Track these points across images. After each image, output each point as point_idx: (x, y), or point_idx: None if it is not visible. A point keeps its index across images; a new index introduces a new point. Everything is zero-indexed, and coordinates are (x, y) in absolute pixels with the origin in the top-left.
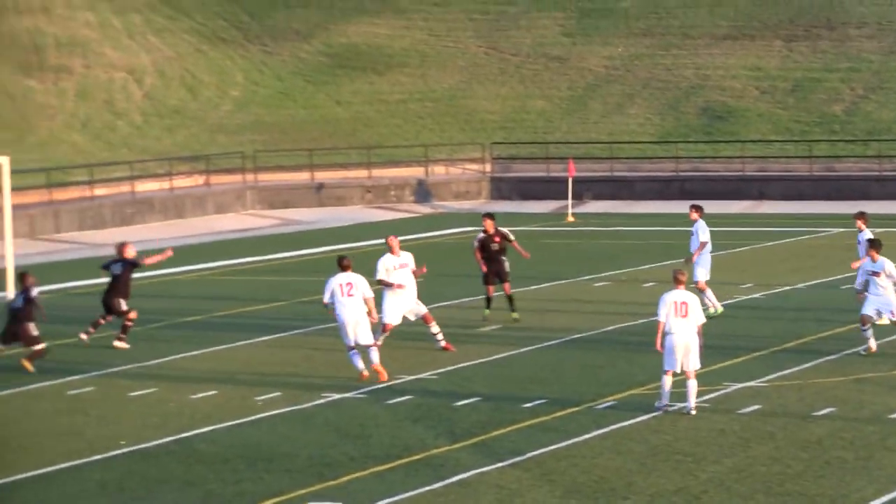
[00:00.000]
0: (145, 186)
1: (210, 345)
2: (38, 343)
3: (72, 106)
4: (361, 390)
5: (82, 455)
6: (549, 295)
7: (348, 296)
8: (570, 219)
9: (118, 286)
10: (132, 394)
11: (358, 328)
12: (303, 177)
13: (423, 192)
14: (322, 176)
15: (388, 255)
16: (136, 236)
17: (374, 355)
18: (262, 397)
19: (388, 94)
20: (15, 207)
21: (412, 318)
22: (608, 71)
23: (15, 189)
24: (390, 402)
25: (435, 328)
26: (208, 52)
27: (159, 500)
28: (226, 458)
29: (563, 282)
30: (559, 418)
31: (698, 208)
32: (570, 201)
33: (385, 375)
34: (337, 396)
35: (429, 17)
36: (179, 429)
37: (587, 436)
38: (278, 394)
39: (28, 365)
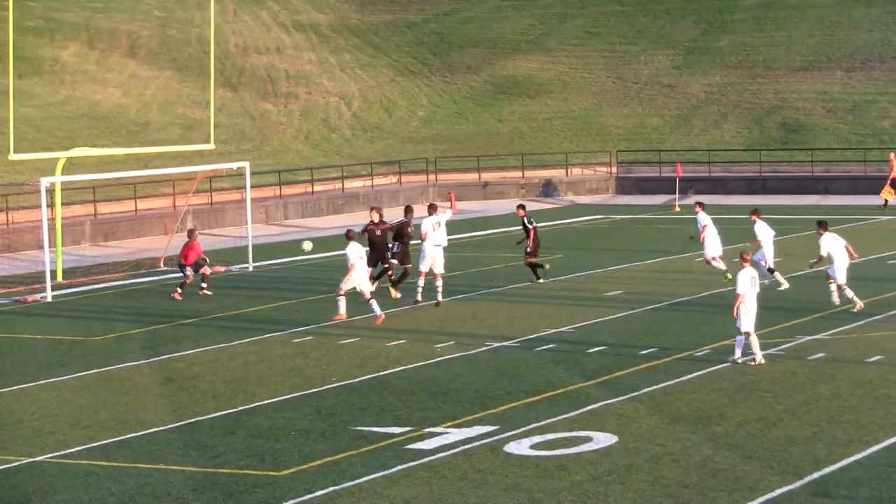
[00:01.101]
0: (352, 184)
1: (400, 304)
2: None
3: (297, 123)
4: (515, 340)
5: (303, 388)
6: (660, 268)
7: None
8: (677, 209)
9: (376, 245)
10: (342, 342)
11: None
12: (472, 177)
13: (548, 189)
14: (486, 176)
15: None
16: (346, 221)
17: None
18: (440, 345)
19: (537, 114)
20: (254, 200)
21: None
22: (707, 95)
23: (254, 186)
24: (537, 349)
25: (439, 282)
26: (401, 82)
27: (361, 421)
28: (412, 391)
29: (671, 258)
30: (667, 362)
31: (701, 204)
32: (676, 195)
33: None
34: (496, 345)
35: (570, 55)
36: (377, 369)
37: (689, 376)
38: (452, 342)
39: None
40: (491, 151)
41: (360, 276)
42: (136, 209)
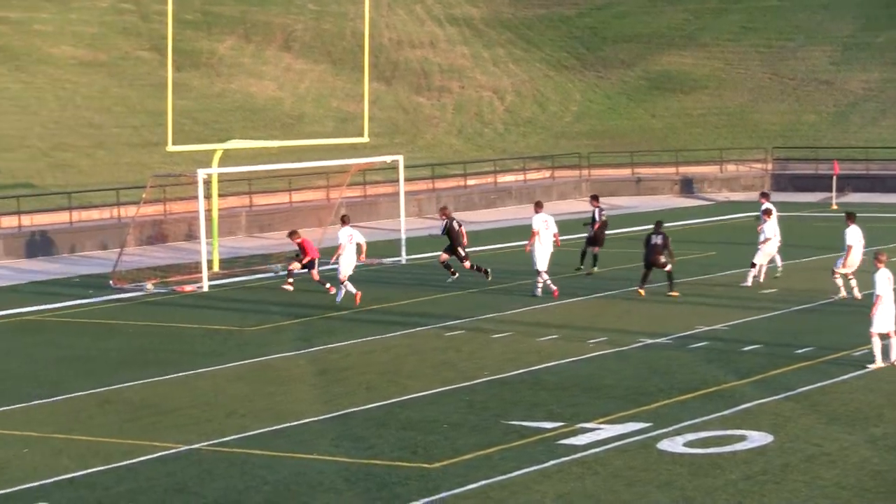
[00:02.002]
0: (505, 178)
1: (552, 300)
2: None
3: (450, 117)
4: (668, 337)
5: (455, 382)
6: (818, 265)
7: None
8: (834, 207)
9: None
10: (494, 336)
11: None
12: (625, 172)
13: (689, 186)
14: (640, 172)
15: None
16: (499, 216)
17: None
18: (593, 341)
19: (692, 109)
20: (407, 193)
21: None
22: (865, 92)
23: (407, 179)
24: (690, 346)
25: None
26: (554, 76)
27: (513, 415)
28: (564, 386)
29: (828, 256)
30: (823, 362)
31: (768, 212)
32: (833, 193)
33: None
34: (649, 341)
35: (725, 50)
36: (529, 363)
37: (845, 376)
38: (604, 338)
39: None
40: (644, 147)
41: (348, 258)
42: (290, 201)
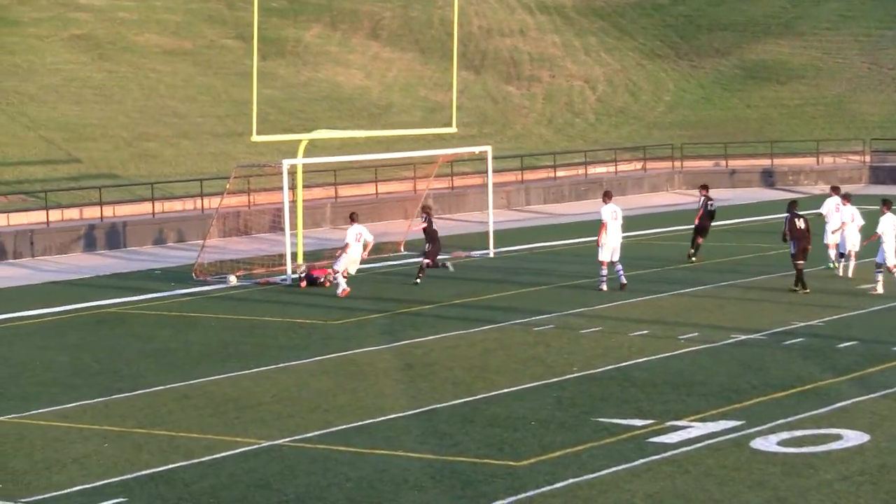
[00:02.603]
0: (596, 170)
1: (644, 294)
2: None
3: (540, 107)
4: (762, 332)
5: (543, 378)
6: None
7: (357, 241)
8: None
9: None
10: (583, 331)
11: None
12: (719, 164)
13: (769, 178)
14: (734, 164)
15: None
16: (589, 208)
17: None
18: (684, 336)
19: (788, 100)
20: (495, 185)
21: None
22: None
23: (496, 171)
24: (785, 342)
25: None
26: (647, 65)
27: (603, 412)
28: (654, 383)
29: None
30: None
31: (847, 197)
32: None
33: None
34: (742, 337)
35: (822, 39)
36: (619, 359)
37: None
38: (696, 334)
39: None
40: (738, 138)
41: (353, 256)
42: (376, 192)
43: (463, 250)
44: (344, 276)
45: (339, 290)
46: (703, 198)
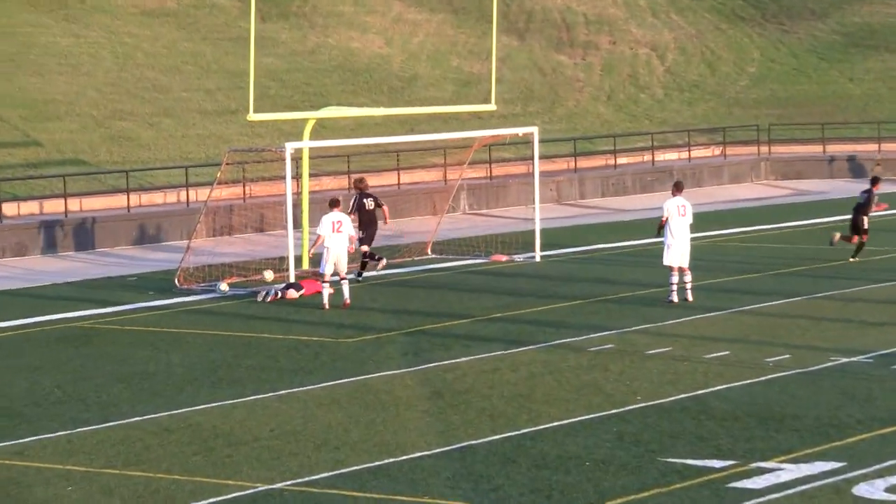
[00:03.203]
0: (665, 156)
1: (723, 307)
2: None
3: (598, 79)
4: (868, 354)
5: (601, 408)
6: None
7: (337, 232)
8: None
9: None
10: (649, 351)
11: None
12: (815, 149)
13: (856, 167)
14: (833, 149)
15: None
16: (656, 202)
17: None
18: (772, 358)
19: None
20: (543, 174)
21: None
22: None
23: (543, 157)
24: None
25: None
26: (727, 30)
27: (673, 451)
28: (736, 415)
29: None
30: None
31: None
32: None
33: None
34: (844, 360)
35: None
36: (693, 386)
37: None
38: (787, 356)
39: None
40: (839, 118)
41: (337, 251)
42: (398, 182)
43: (503, 253)
44: (327, 282)
45: (325, 300)
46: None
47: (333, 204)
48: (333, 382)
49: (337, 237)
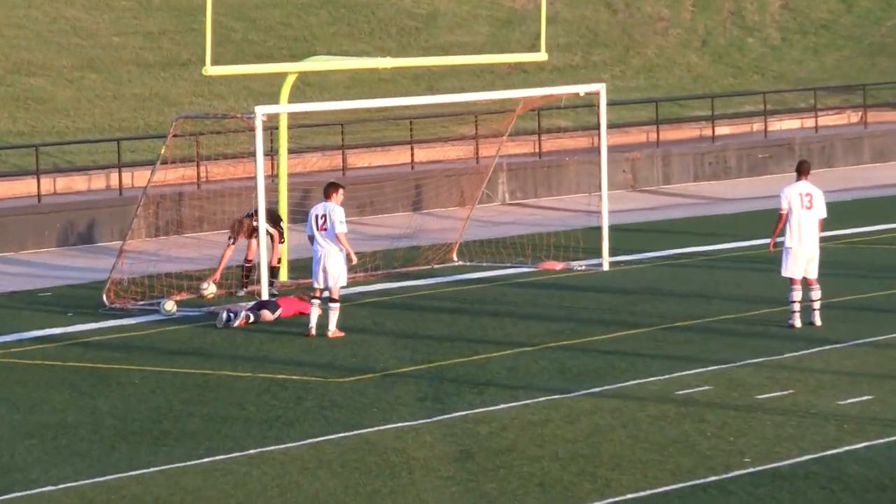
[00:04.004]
0: (782, 124)
1: (860, 334)
2: None
3: (688, 18)
4: None
5: (694, 475)
6: None
7: (322, 230)
8: None
9: None
10: (761, 396)
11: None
12: None
13: None
14: None
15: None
16: (769, 189)
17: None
18: None
19: None
20: (612, 149)
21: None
22: None
23: (612, 126)
24: None
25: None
26: None
27: None
28: (882, 484)
29: None
30: None
31: None
32: None
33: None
34: None
35: None
36: (822, 444)
37: None
38: None
39: None
40: None
41: (323, 256)
42: (412, 161)
43: (557, 259)
44: (316, 300)
45: (311, 323)
46: None
47: (329, 190)
48: (322, 438)
49: (322, 237)
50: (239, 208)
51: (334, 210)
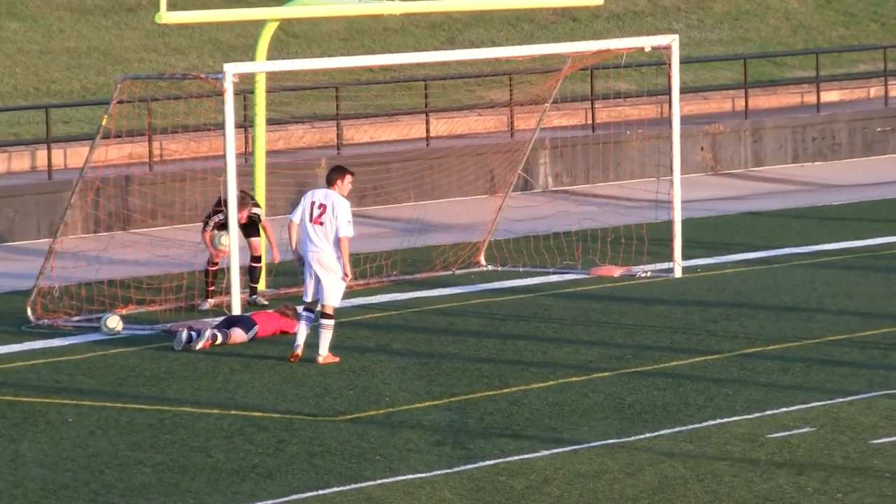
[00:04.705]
0: None
1: None
2: None
3: None
4: None
5: None
6: None
7: (317, 223)
8: None
9: None
10: (875, 440)
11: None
12: None
13: None
14: None
15: None
16: (888, 174)
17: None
18: None
19: None
20: (687, 120)
21: None
22: None
23: (687, 90)
24: None
25: None
26: None
27: None
28: None
29: None
30: None
31: None
32: None
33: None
34: None
35: None
36: None
37: None
38: None
39: None
40: None
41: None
42: (427, 135)
43: (614, 264)
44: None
45: (297, 343)
46: None
47: (334, 175)
48: (310, 494)
49: (316, 233)
50: (204, 197)
51: (339, 204)
